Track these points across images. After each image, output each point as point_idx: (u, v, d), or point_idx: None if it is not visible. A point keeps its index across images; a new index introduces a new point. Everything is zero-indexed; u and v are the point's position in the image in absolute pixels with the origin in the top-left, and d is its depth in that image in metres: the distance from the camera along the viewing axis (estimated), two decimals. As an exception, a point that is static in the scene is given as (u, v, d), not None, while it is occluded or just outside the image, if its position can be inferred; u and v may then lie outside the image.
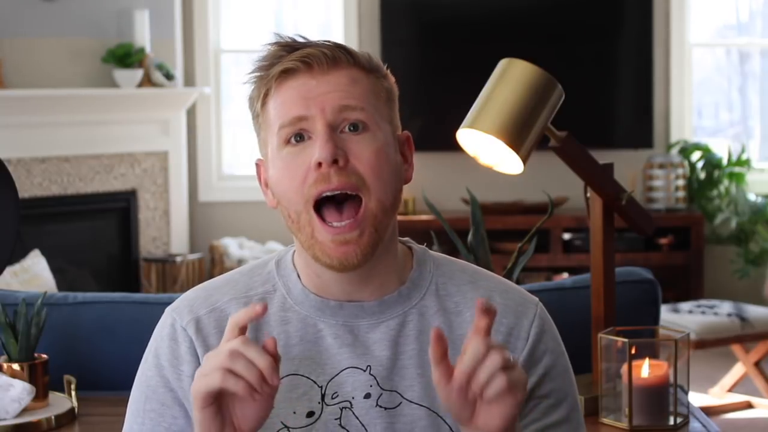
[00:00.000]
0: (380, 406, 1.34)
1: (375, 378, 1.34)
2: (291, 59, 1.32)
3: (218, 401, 1.20)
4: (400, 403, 1.34)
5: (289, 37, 1.35)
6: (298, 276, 1.39)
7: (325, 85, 1.32)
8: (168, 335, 1.38)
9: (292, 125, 1.31)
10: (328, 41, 1.35)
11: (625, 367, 1.94)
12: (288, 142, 1.32)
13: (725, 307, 4.61)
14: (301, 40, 1.35)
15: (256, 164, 1.41)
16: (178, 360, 1.36)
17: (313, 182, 1.30)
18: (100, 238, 5.63)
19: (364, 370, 1.34)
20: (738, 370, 4.66)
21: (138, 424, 1.38)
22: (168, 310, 1.41)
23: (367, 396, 1.34)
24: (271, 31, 1.39)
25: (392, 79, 1.39)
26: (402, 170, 1.37)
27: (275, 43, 1.35)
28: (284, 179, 1.32)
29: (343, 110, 1.31)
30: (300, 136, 1.31)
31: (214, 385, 1.18)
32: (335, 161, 1.29)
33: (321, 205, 1.31)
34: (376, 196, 1.31)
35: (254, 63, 1.36)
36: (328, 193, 1.29)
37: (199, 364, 1.35)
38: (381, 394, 1.34)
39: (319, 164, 1.29)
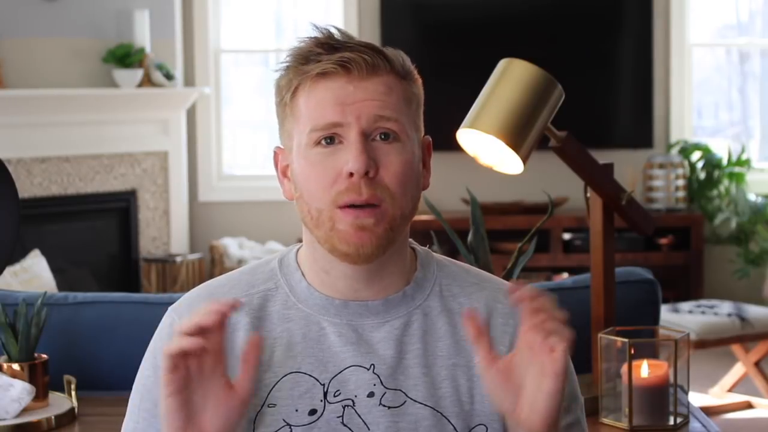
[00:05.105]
0: (384, 405, 1.34)
1: (379, 377, 1.34)
2: (330, 62, 1.31)
3: (185, 393, 1.20)
4: (405, 402, 1.34)
5: (326, 30, 1.34)
6: (302, 274, 1.39)
7: (362, 93, 1.31)
8: (167, 335, 1.38)
9: (326, 130, 1.31)
10: (366, 44, 1.34)
11: (625, 367, 1.94)
12: (318, 143, 1.32)
13: (725, 307, 4.61)
14: (338, 35, 1.34)
15: (274, 152, 1.41)
16: None
17: (344, 190, 1.30)
18: (100, 238, 5.63)
19: (368, 369, 1.34)
20: (738, 370, 4.66)
21: (133, 422, 1.39)
22: (170, 309, 1.42)
23: (371, 395, 1.34)
24: (309, 22, 1.37)
25: (420, 81, 1.39)
26: (422, 178, 1.38)
27: (314, 38, 1.34)
28: (311, 178, 1.33)
29: (378, 120, 1.31)
30: (331, 139, 1.32)
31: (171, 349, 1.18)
32: (366, 173, 1.30)
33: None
34: (398, 204, 1.32)
35: (289, 52, 1.35)
36: (356, 203, 1.30)
37: None
38: (385, 393, 1.34)
39: (351, 174, 1.30)
